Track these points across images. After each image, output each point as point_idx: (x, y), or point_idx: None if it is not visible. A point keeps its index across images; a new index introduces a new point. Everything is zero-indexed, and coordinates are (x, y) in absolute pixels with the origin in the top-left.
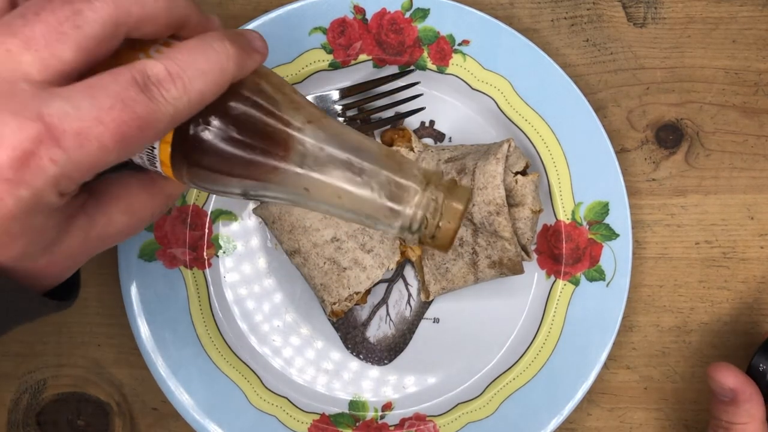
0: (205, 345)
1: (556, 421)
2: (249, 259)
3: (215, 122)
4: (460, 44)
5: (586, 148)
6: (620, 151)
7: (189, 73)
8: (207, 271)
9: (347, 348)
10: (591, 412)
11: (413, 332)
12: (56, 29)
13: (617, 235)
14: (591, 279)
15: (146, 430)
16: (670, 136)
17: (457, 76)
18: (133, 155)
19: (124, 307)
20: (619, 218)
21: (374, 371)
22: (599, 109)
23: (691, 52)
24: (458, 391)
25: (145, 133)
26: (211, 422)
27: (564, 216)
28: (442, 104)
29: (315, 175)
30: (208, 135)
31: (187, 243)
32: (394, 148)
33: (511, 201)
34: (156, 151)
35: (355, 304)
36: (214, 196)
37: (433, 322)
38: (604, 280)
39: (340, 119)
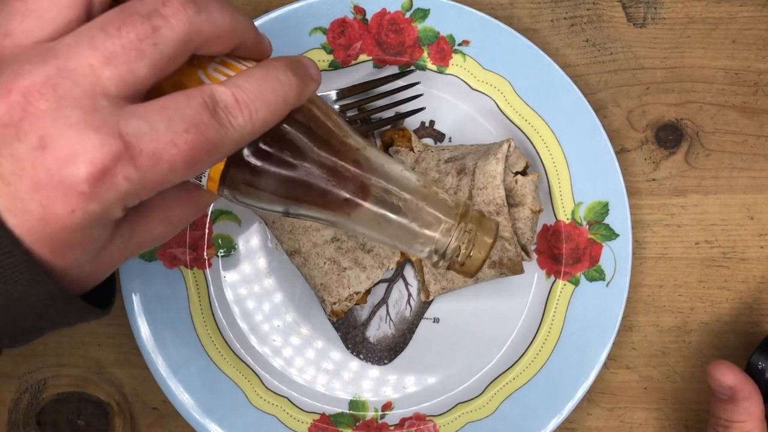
0: (205, 345)
1: (556, 421)
2: (249, 259)
3: (271, 146)
4: (460, 44)
5: (586, 148)
6: (620, 151)
7: (256, 103)
8: (207, 271)
9: (347, 348)
10: (591, 412)
11: (413, 332)
12: (136, 46)
13: (617, 235)
14: (591, 279)
15: (146, 430)
16: (670, 136)
17: (457, 76)
18: (190, 177)
19: (124, 307)
20: (619, 218)
21: (374, 371)
22: (599, 109)
23: (690, 52)
24: (458, 390)
25: (211, 156)
26: (211, 422)
27: (564, 216)
28: (442, 104)
29: (360, 203)
30: (263, 157)
31: (188, 243)
32: (395, 147)
33: (511, 201)
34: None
35: (355, 304)
36: None
37: (433, 322)
38: (604, 280)
39: None
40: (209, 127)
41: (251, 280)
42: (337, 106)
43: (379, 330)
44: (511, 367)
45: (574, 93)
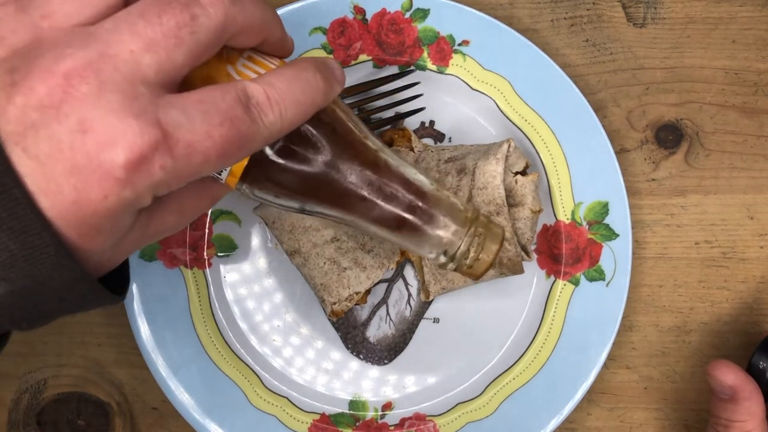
0: (205, 345)
1: (556, 421)
2: (249, 259)
3: (295, 144)
4: (460, 44)
5: (586, 148)
6: (620, 151)
7: (286, 102)
8: (207, 270)
9: (347, 348)
10: (591, 412)
11: (413, 332)
12: (175, 33)
13: (617, 235)
14: (591, 279)
15: (146, 430)
16: (669, 136)
17: (457, 77)
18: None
19: (124, 307)
20: (619, 218)
21: (374, 371)
22: (599, 109)
23: (690, 52)
24: (458, 390)
25: (242, 151)
26: (211, 422)
27: (564, 216)
28: (442, 104)
29: (376, 203)
30: (287, 155)
31: (188, 243)
32: (395, 147)
33: (511, 201)
34: None
35: (355, 304)
36: None
37: (433, 322)
38: (603, 280)
39: None
40: (242, 121)
41: (251, 280)
42: None
43: (379, 330)
44: (511, 367)
45: (574, 93)
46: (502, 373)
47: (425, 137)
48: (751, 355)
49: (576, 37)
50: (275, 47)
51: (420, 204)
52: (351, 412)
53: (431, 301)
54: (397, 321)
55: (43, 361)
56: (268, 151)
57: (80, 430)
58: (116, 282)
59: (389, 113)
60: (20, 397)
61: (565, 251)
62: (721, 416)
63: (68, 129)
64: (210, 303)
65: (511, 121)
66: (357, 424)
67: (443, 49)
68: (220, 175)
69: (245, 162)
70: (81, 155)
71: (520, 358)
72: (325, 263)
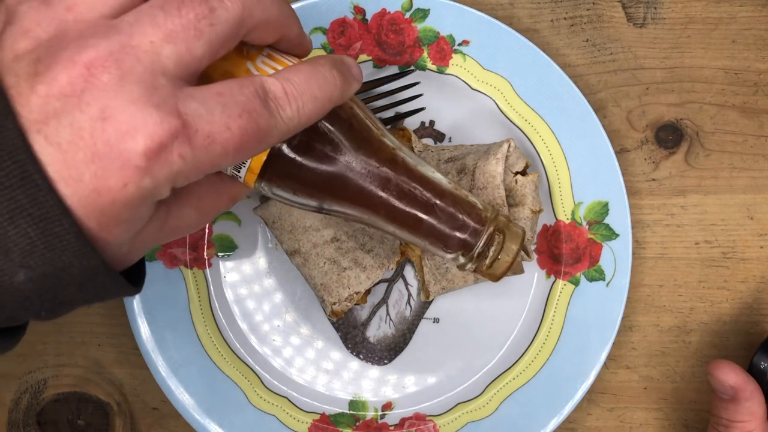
0: (205, 345)
1: (556, 421)
2: (249, 259)
3: (314, 140)
4: (460, 44)
5: (585, 148)
6: (620, 151)
7: (304, 97)
8: (207, 270)
9: (347, 348)
10: (591, 412)
11: (413, 332)
12: (194, 25)
13: (617, 235)
14: (591, 279)
15: (146, 430)
16: (669, 136)
17: (457, 77)
18: (238, 162)
19: (124, 307)
20: (619, 218)
21: (374, 371)
22: (599, 109)
23: (690, 53)
24: (458, 390)
25: (260, 144)
26: (211, 422)
27: (564, 216)
28: (442, 104)
29: (392, 202)
30: (305, 151)
31: (188, 243)
32: None
33: (511, 201)
34: (248, 158)
35: (355, 304)
36: None
37: (433, 322)
38: (604, 280)
39: None
40: (261, 115)
41: (251, 280)
42: None
43: (379, 330)
44: (511, 367)
45: (574, 93)
46: (502, 373)
47: (425, 137)
48: (752, 355)
49: (576, 37)
50: (293, 45)
51: (438, 202)
52: (351, 412)
53: (431, 301)
54: (397, 321)
55: (43, 361)
56: (287, 147)
57: (80, 430)
58: (132, 275)
59: (389, 113)
60: (20, 397)
61: (565, 251)
62: (722, 416)
63: (89, 117)
64: (210, 303)
65: (511, 121)
66: (357, 424)
67: (443, 49)
68: (239, 172)
69: (264, 158)
70: (101, 143)
71: (520, 358)
72: (325, 263)
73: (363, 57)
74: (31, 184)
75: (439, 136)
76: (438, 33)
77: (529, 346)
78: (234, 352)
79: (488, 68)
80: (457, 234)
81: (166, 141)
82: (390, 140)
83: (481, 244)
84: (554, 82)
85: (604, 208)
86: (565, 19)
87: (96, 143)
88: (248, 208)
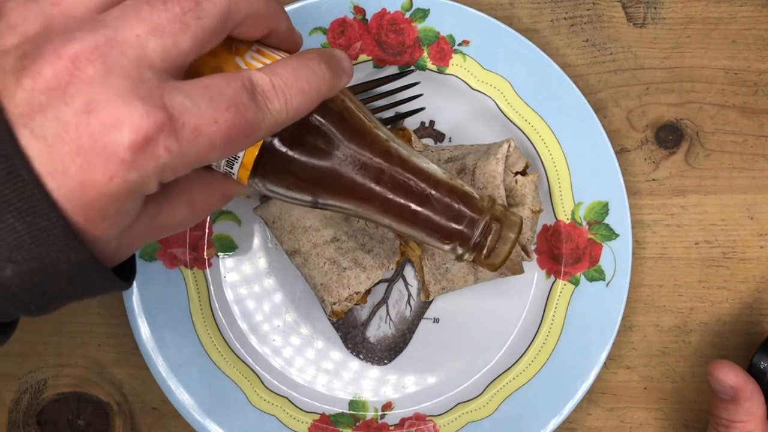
0: (205, 345)
1: (556, 421)
2: (249, 259)
3: (305, 133)
4: (460, 44)
5: (586, 148)
6: (620, 151)
7: (292, 90)
8: (207, 270)
9: (347, 348)
10: (591, 412)
11: (413, 332)
12: (180, 19)
13: (617, 235)
14: (591, 279)
15: (146, 430)
16: (669, 136)
17: (457, 76)
18: (227, 157)
19: (124, 307)
20: (619, 218)
21: (374, 371)
22: (599, 109)
23: (690, 53)
24: (458, 390)
25: (248, 138)
26: (211, 422)
27: (564, 216)
28: (442, 104)
29: (387, 195)
30: (297, 144)
31: (188, 243)
32: None
33: (511, 201)
34: (240, 153)
35: (355, 304)
36: None
37: (433, 322)
38: (603, 280)
39: None
40: (248, 108)
41: (251, 280)
42: None
43: (379, 330)
44: (511, 367)
45: (574, 93)
46: (502, 373)
47: (425, 137)
48: (752, 355)
49: (576, 37)
50: (282, 40)
51: (434, 193)
52: (351, 412)
53: (431, 301)
54: (397, 321)
55: (43, 361)
56: (278, 141)
57: (80, 430)
58: (122, 271)
59: (389, 113)
60: (20, 397)
61: (565, 251)
62: (722, 416)
63: (74, 110)
64: (210, 303)
65: (511, 121)
66: (357, 424)
67: (443, 49)
68: (231, 169)
69: (256, 153)
70: (86, 136)
71: (520, 358)
72: (325, 263)
73: (363, 57)
74: (17, 178)
75: (439, 136)
76: (438, 33)
77: (529, 346)
78: (234, 352)
79: (488, 68)
80: (454, 224)
81: (152, 134)
82: (383, 132)
83: (478, 234)
84: (554, 82)
85: (604, 208)
86: (565, 19)
87: (81, 136)
88: (248, 208)
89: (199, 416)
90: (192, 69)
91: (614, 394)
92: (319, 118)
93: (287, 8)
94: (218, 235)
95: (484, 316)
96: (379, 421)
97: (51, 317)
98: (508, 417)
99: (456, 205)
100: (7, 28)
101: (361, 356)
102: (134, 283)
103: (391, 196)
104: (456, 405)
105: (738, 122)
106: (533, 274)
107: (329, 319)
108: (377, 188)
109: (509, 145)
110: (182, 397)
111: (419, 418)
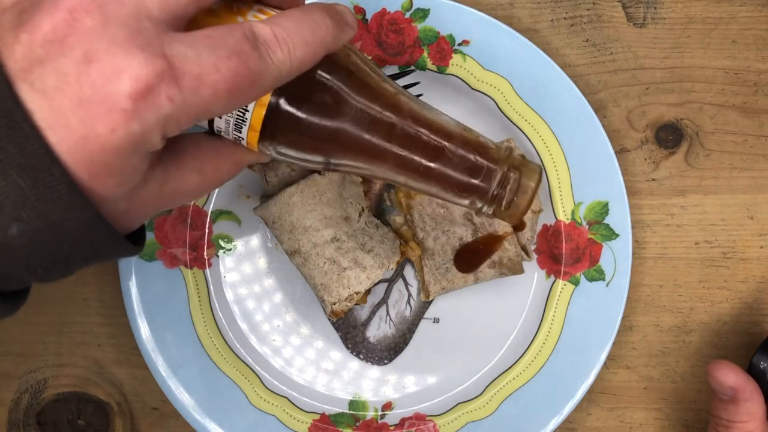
0: (205, 345)
1: (556, 421)
2: (249, 259)
3: (313, 89)
4: (460, 44)
5: (586, 148)
6: (620, 151)
7: (294, 40)
8: (207, 270)
9: (347, 348)
10: (591, 412)
11: (413, 332)
12: None
13: (617, 235)
14: (591, 279)
15: (147, 430)
16: (669, 136)
17: (457, 76)
18: (230, 111)
19: (124, 307)
20: (619, 218)
21: (374, 371)
22: (599, 109)
23: (690, 52)
24: (458, 390)
25: (252, 88)
26: (211, 422)
27: (564, 216)
28: (442, 104)
29: (399, 149)
30: (305, 101)
31: (188, 243)
32: None
33: None
34: (248, 115)
35: (355, 304)
36: (215, 196)
37: (433, 321)
38: (603, 279)
39: None
40: (251, 56)
41: (251, 280)
42: None
43: (379, 330)
44: (511, 367)
45: (574, 93)
46: (502, 373)
47: None
48: (751, 355)
49: (576, 37)
50: (283, 0)
51: (448, 145)
52: (351, 412)
53: (431, 301)
54: (397, 321)
55: (43, 361)
56: (285, 100)
57: (80, 430)
58: (133, 239)
59: None
60: (20, 397)
61: (565, 251)
62: (721, 417)
63: (73, 61)
64: (210, 303)
65: (511, 121)
66: (357, 424)
67: (443, 49)
68: (240, 133)
69: (263, 114)
70: (87, 86)
71: (520, 358)
72: (325, 263)
73: None
74: (19, 133)
75: None
76: (438, 33)
77: (529, 346)
78: (234, 352)
79: (488, 68)
80: (470, 177)
81: (153, 82)
82: (392, 86)
83: (496, 185)
84: (554, 82)
85: (604, 208)
86: (565, 19)
87: (81, 87)
88: (248, 208)
89: (199, 416)
90: (194, 29)
91: (614, 394)
92: (324, 74)
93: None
94: (218, 235)
95: (484, 316)
96: (379, 421)
97: (51, 317)
98: (508, 417)
99: (471, 157)
100: None
101: (361, 356)
102: (134, 283)
103: (403, 151)
104: (456, 405)
105: (738, 122)
106: (533, 274)
107: (329, 319)
108: (389, 143)
109: (509, 144)
110: (182, 397)
111: (419, 418)
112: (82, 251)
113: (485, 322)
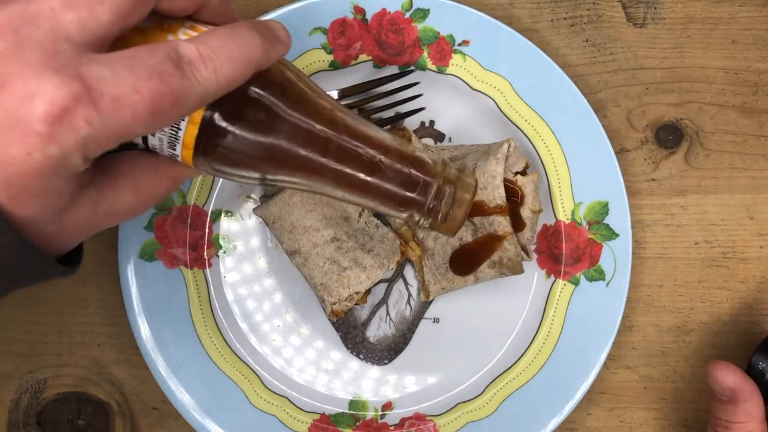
0: (205, 345)
1: (556, 421)
2: (249, 259)
3: (244, 106)
4: (460, 44)
5: (585, 148)
6: (620, 151)
7: (220, 58)
8: (207, 270)
9: (347, 348)
10: (591, 412)
11: (413, 332)
12: None
13: (617, 235)
14: (591, 279)
15: (147, 430)
16: (669, 136)
17: (457, 76)
18: (156, 131)
19: (124, 307)
20: (619, 218)
21: (374, 371)
22: (599, 109)
23: (690, 53)
24: (458, 390)
25: (175, 108)
26: (211, 422)
27: (564, 216)
28: (442, 104)
29: (335, 164)
30: (237, 118)
31: (188, 243)
32: None
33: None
34: (180, 133)
35: (355, 304)
36: (215, 196)
37: (433, 321)
38: (603, 279)
39: None
40: (172, 76)
41: (251, 280)
42: None
43: (379, 330)
44: (511, 367)
45: (574, 93)
46: (502, 373)
47: (425, 137)
48: (750, 355)
49: (576, 37)
50: (216, 15)
51: (384, 159)
52: (351, 412)
53: (431, 301)
54: (397, 321)
55: (43, 360)
56: (218, 117)
57: (80, 430)
58: (71, 259)
59: (389, 113)
60: (20, 397)
61: (565, 251)
62: (720, 417)
63: None
64: (210, 303)
65: (511, 121)
66: (357, 424)
67: (443, 49)
68: (174, 150)
69: (196, 132)
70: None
71: (520, 358)
72: (325, 263)
73: (363, 57)
74: None
75: (439, 136)
76: (438, 33)
77: (529, 346)
78: (234, 352)
79: (488, 68)
80: (406, 191)
81: (68, 105)
82: (327, 101)
83: (431, 198)
84: (554, 82)
85: (604, 208)
86: (565, 19)
87: None
88: (248, 208)
89: (199, 416)
90: (121, 47)
91: (614, 394)
92: (257, 90)
93: (288, 8)
94: (218, 235)
95: (484, 316)
96: (379, 421)
97: (51, 317)
98: (508, 417)
99: (407, 171)
100: None
101: (361, 356)
102: (134, 283)
103: (339, 166)
104: (456, 405)
105: (738, 122)
106: (533, 274)
107: (329, 319)
108: (325, 159)
109: (509, 145)
110: (182, 397)
111: (419, 418)
112: (8, 274)
113: (485, 322)
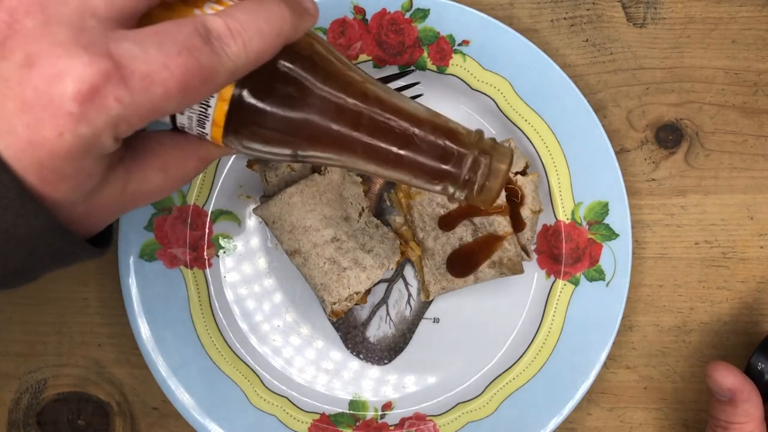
0: (205, 345)
1: (556, 421)
2: (249, 259)
3: (275, 81)
4: (460, 44)
5: (585, 148)
6: (620, 151)
7: (249, 32)
8: (207, 270)
9: (347, 348)
10: (591, 412)
11: (413, 332)
12: None
13: (617, 235)
14: (591, 279)
15: (147, 430)
16: (669, 136)
17: (457, 76)
18: (185, 108)
19: (124, 307)
20: (619, 218)
21: (374, 371)
22: (599, 109)
23: (690, 52)
24: (458, 390)
25: (205, 84)
26: (211, 422)
27: (564, 216)
28: (442, 104)
29: (367, 138)
30: (267, 93)
31: (188, 243)
32: None
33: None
34: (210, 110)
35: (355, 304)
36: (215, 196)
37: (433, 321)
38: (603, 279)
39: None
40: (202, 52)
41: (251, 280)
42: None
43: (379, 330)
44: (511, 366)
45: (574, 93)
46: (502, 373)
47: None
48: (749, 356)
49: (576, 37)
50: None
51: (416, 131)
52: (351, 412)
53: (431, 301)
54: (397, 321)
55: (43, 360)
56: (247, 93)
57: (80, 430)
58: (99, 241)
59: None
60: (20, 397)
61: (565, 251)
62: (720, 418)
63: (15, 65)
64: (210, 303)
65: (511, 121)
66: (357, 424)
67: (443, 49)
68: (204, 129)
69: (226, 108)
70: (30, 90)
71: (520, 358)
72: (325, 263)
73: (363, 57)
74: None
75: None
76: (438, 33)
77: (529, 346)
78: (234, 352)
79: (488, 68)
80: (441, 163)
81: (99, 83)
82: (358, 74)
83: (467, 170)
84: (554, 82)
85: (604, 208)
86: (565, 19)
87: (24, 91)
88: (248, 208)
89: (199, 416)
90: (147, 23)
91: (614, 394)
92: (287, 64)
93: None
94: (218, 235)
95: (484, 316)
96: (379, 421)
97: (51, 317)
98: (508, 417)
99: (441, 142)
100: None
101: (361, 356)
102: (134, 283)
103: (372, 140)
104: (456, 405)
105: (738, 122)
106: (533, 274)
107: (329, 319)
108: (357, 133)
109: (509, 145)
110: (182, 397)
111: (419, 418)
112: (41, 257)
113: (485, 322)
